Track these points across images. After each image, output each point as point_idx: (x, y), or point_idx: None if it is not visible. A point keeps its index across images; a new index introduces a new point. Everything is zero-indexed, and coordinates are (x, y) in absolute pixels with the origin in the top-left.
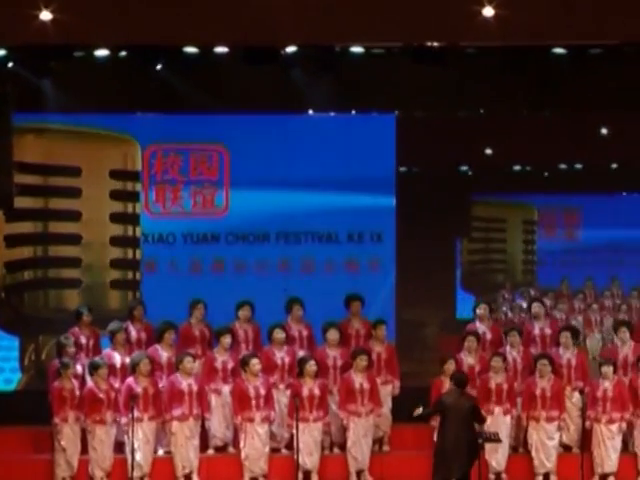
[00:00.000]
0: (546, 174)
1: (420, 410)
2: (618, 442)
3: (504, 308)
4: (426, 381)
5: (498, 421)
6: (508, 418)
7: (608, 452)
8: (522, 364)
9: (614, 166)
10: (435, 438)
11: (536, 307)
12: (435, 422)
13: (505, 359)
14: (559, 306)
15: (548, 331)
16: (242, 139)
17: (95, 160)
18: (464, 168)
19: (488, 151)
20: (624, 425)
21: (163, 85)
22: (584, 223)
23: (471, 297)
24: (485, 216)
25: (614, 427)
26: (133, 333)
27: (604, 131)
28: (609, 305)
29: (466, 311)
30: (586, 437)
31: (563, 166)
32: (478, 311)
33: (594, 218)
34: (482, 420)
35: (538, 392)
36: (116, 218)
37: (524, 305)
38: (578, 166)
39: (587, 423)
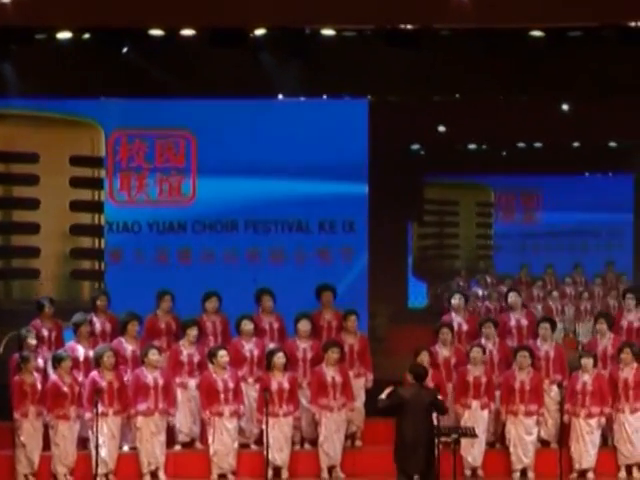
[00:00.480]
0: (504, 153)
1: (383, 396)
2: (597, 437)
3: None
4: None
5: (476, 415)
6: (486, 412)
7: (587, 447)
8: (498, 356)
9: (576, 145)
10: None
11: (512, 297)
12: None
13: (484, 351)
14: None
15: (524, 322)
16: (209, 125)
17: (55, 146)
18: (415, 147)
19: (441, 129)
20: (603, 420)
21: (128, 69)
22: (544, 206)
23: (423, 285)
24: (438, 198)
25: (593, 422)
26: (97, 325)
27: (565, 107)
28: (571, 293)
29: (418, 300)
30: (564, 432)
31: (522, 145)
32: (453, 302)
33: (555, 200)
34: (445, 411)
35: (517, 385)
36: (77, 206)
37: (480, 293)
38: (537, 145)
39: (565, 417)
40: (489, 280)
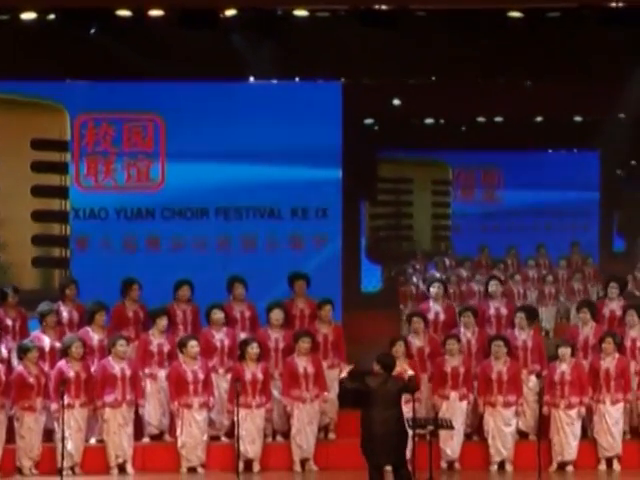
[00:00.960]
0: (463, 128)
1: (344, 374)
2: (577, 428)
3: (415, 279)
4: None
5: (454, 407)
6: (464, 404)
7: (567, 439)
8: (477, 346)
9: (539, 119)
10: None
11: (493, 286)
12: None
13: (459, 341)
14: (477, 277)
15: (504, 311)
16: (179, 108)
17: (15, 130)
18: (369, 122)
19: (396, 102)
20: (583, 410)
21: (95, 50)
22: (505, 184)
23: (377, 268)
24: (392, 176)
25: (573, 412)
26: (64, 314)
27: (528, 83)
28: (533, 276)
29: (372, 284)
30: (543, 423)
31: (481, 119)
32: (432, 290)
33: (517, 178)
34: (412, 386)
35: (494, 376)
36: (40, 191)
37: (437, 276)
38: (498, 119)
39: (544, 408)
40: (447, 263)
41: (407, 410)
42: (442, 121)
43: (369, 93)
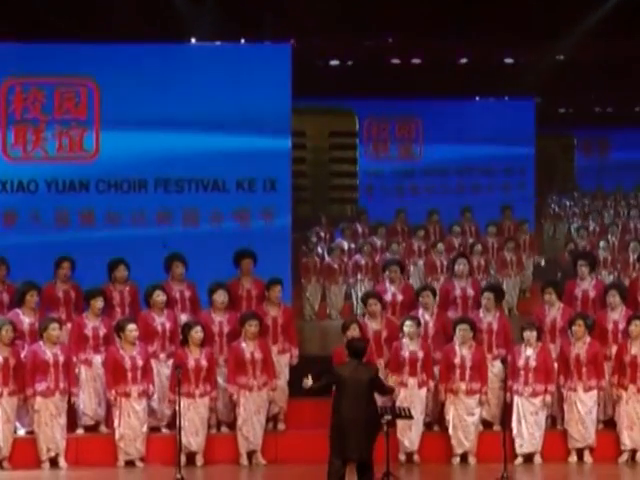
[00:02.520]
0: (373, 71)
1: (309, 381)
2: (542, 418)
3: (319, 250)
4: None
5: (412, 395)
6: (423, 391)
7: (530, 429)
8: (434, 329)
9: (463, 61)
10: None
11: (461, 265)
12: None
13: (419, 324)
14: (393, 246)
15: (470, 292)
16: (115, 72)
17: None
18: None
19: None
20: (548, 398)
21: (22, 9)
22: (425, 137)
23: None
24: None
25: (537, 400)
26: None
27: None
28: (459, 245)
29: None
30: (508, 412)
31: (396, 61)
32: (388, 274)
33: (438, 130)
34: (387, 391)
35: (457, 361)
36: None
37: (346, 246)
38: (416, 61)
39: (508, 396)
40: (360, 230)
41: None
42: (349, 63)
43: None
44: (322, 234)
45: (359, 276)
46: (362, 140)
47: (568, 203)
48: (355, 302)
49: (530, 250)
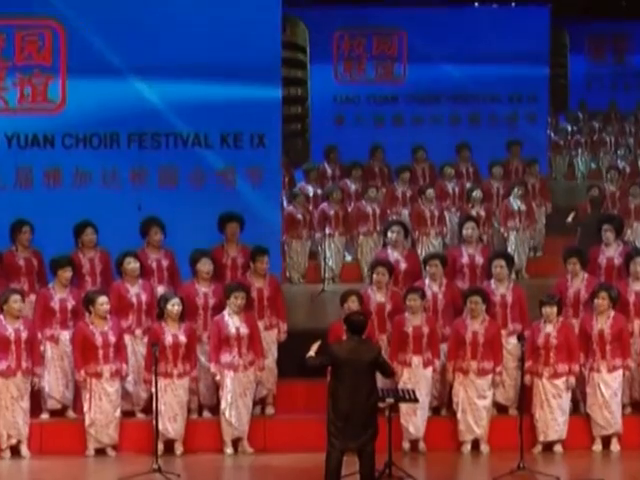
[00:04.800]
0: None
1: (315, 347)
2: (566, 401)
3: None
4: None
5: (417, 375)
6: (429, 371)
7: (553, 414)
8: (444, 301)
9: None
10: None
11: (469, 229)
12: None
13: (424, 295)
14: (370, 192)
15: (479, 260)
16: (83, 13)
17: None
18: None
19: None
20: (572, 380)
21: None
22: (410, 54)
23: None
24: None
25: (560, 382)
26: None
27: None
28: (454, 190)
29: None
30: (525, 395)
31: None
32: (390, 234)
33: (425, 45)
34: (390, 373)
35: (468, 337)
36: None
37: (311, 192)
38: None
39: (526, 377)
40: (329, 171)
41: None
42: None
43: None
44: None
45: (327, 230)
46: (330, 58)
47: (570, 127)
48: (323, 262)
49: (541, 197)
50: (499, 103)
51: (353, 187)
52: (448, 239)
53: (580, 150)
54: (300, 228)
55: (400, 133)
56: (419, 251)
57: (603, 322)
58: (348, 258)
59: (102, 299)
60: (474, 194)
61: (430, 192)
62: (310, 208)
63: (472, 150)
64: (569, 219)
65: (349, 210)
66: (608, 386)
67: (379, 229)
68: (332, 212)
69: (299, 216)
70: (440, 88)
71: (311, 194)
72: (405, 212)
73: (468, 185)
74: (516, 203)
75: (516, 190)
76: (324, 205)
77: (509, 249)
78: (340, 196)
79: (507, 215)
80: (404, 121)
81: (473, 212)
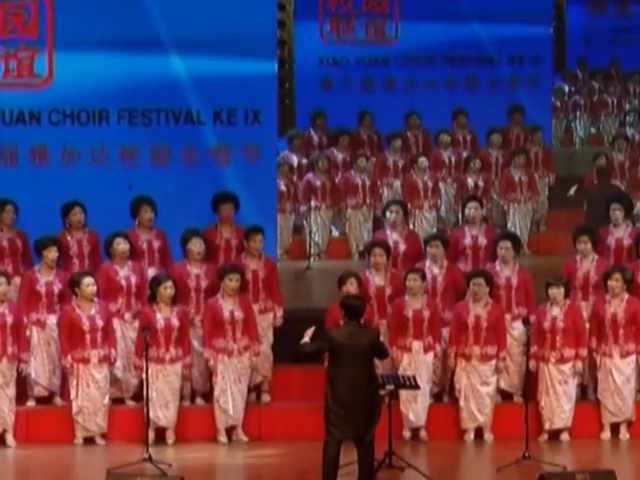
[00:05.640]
0: None
1: (310, 333)
2: (572, 387)
3: None
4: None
5: (417, 361)
6: (430, 356)
7: (559, 401)
8: (444, 284)
9: None
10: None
11: (472, 209)
12: None
13: (425, 277)
14: (359, 161)
15: (483, 241)
16: None
17: None
18: None
19: None
20: (580, 365)
21: None
22: (403, 11)
23: None
24: None
25: (566, 368)
26: None
27: None
28: (450, 159)
29: None
30: (531, 381)
31: None
32: (389, 214)
33: (421, 2)
34: (385, 354)
35: (471, 321)
36: None
37: (295, 161)
38: None
39: (531, 363)
40: (315, 139)
41: None
42: None
43: None
44: None
45: (313, 202)
46: (316, 16)
47: (567, 87)
48: (308, 237)
49: (544, 167)
50: (498, 65)
51: (340, 156)
52: (443, 212)
53: (579, 113)
54: (283, 201)
55: (391, 98)
56: (411, 226)
57: (617, 305)
58: (335, 233)
59: (88, 280)
60: (471, 164)
61: (423, 161)
62: (294, 179)
63: (469, 116)
64: (571, 192)
65: (336, 181)
66: (620, 372)
67: (368, 202)
68: (318, 183)
69: (282, 187)
70: (435, 49)
71: (295, 164)
72: (397, 183)
73: (465, 154)
74: (517, 173)
75: (517, 159)
76: (309, 176)
77: (509, 223)
78: (327, 166)
79: (507, 186)
80: (396, 85)
81: (470, 182)
